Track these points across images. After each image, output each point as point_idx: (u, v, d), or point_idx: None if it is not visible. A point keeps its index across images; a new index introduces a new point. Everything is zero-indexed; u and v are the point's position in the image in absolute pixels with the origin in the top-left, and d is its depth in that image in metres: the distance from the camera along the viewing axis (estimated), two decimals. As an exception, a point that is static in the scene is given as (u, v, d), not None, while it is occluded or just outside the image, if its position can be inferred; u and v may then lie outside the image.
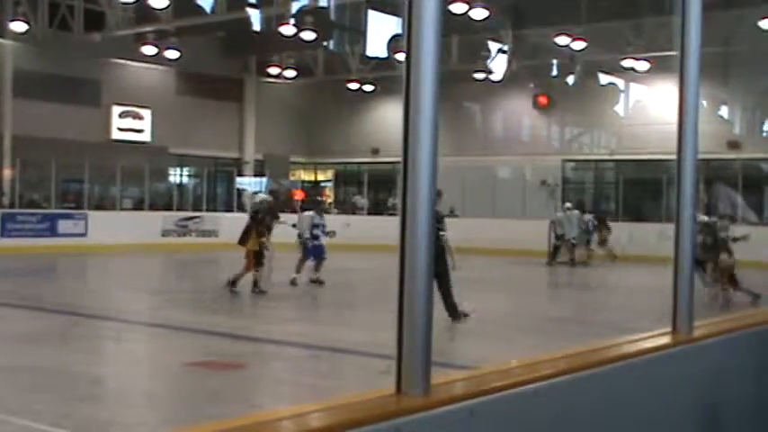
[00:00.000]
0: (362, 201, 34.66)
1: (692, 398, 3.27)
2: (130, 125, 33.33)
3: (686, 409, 3.24)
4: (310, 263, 18.49)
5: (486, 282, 21.64)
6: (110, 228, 27.89)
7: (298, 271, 18.17)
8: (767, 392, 3.93)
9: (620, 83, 33.31)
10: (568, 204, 27.12)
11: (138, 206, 31.19)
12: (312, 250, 18.43)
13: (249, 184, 36.39)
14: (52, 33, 28.92)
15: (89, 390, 8.61)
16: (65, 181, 30.51)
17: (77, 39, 29.00)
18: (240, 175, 36.07)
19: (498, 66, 31.23)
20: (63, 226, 27.80)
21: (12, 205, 28.44)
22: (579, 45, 28.05)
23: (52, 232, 27.53)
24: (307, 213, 19.52)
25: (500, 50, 30.82)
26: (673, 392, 3.11)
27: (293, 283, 17.80)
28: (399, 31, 28.07)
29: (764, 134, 31.46)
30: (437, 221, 14.67)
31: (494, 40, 30.81)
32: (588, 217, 26.59)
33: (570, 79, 32.65)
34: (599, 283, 22.88)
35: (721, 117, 30.76)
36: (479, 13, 24.83)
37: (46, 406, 7.67)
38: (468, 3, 24.36)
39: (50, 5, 28.72)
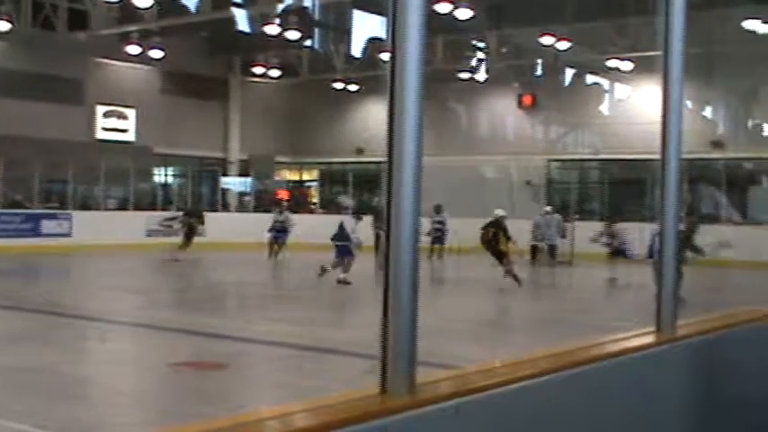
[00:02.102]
0: (348, 200, 34.63)
1: (675, 397, 3.29)
2: (115, 125, 33.22)
3: (670, 408, 3.26)
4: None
5: (470, 282, 21.68)
6: (94, 228, 27.79)
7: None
8: (750, 391, 3.95)
9: (604, 83, 33.38)
10: (547, 208, 27.24)
11: (123, 206, 31.08)
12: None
13: (234, 183, 36.34)
14: (36, 32, 28.78)
15: (73, 390, 8.58)
16: (48, 181, 30.37)
17: (61, 38, 28.89)
18: (225, 174, 35.99)
19: (479, 64, 31.28)
20: (47, 226, 27.68)
21: (-6, 205, 28.30)
22: (564, 45, 28.12)
23: (36, 232, 27.40)
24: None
25: (477, 48, 30.84)
26: (656, 391, 3.12)
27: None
28: (383, 30, 28.06)
29: (748, 133, 31.55)
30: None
31: (478, 39, 30.83)
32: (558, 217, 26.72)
33: (561, 78, 32.75)
34: (581, 283, 22.94)
35: (705, 117, 30.87)
36: (464, 13, 24.84)
37: (29, 407, 7.64)
38: (452, 2, 24.36)
39: (34, 4, 28.56)
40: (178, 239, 26.25)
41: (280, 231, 25.89)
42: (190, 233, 26.20)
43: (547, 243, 25.93)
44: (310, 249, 24.66)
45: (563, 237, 26.02)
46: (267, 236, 25.95)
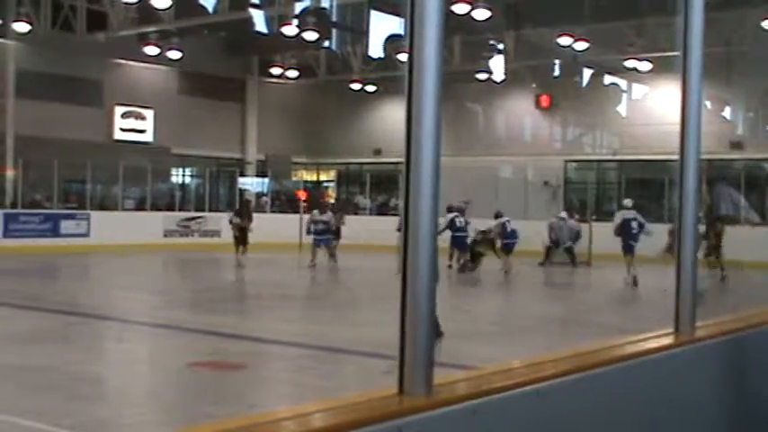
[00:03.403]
0: (365, 201, 34.64)
1: (694, 398, 3.27)
2: (133, 125, 33.35)
3: (689, 410, 3.24)
4: None
5: (486, 282, 21.65)
6: (112, 228, 27.90)
7: None
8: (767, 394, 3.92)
9: (622, 83, 33.27)
10: (563, 214, 27.22)
11: (141, 206, 31.18)
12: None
13: (251, 184, 36.40)
14: (55, 34, 28.91)
15: (91, 389, 8.62)
16: (67, 181, 30.53)
17: (80, 39, 29.00)
18: (242, 175, 36.05)
19: (497, 65, 31.21)
20: (65, 226, 27.80)
21: (14, 205, 28.44)
22: (581, 45, 28.01)
23: (54, 232, 27.53)
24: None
25: (497, 50, 30.80)
26: (675, 393, 3.11)
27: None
28: (401, 31, 28.05)
29: None
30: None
31: (496, 40, 30.78)
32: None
33: (579, 79, 32.70)
34: (600, 284, 22.86)
35: (724, 117, 30.72)
36: (481, 14, 24.79)
37: (47, 405, 7.68)
38: (470, 3, 24.32)
39: (53, 6, 28.71)
40: (195, 240, 26.17)
41: (322, 233, 23.51)
42: (241, 237, 23.57)
43: (562, 246, 25.99)
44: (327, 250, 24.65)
45: (576, 240, 26.16)
46: (310, 239, 23.93)
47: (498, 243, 23.16)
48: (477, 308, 16.61)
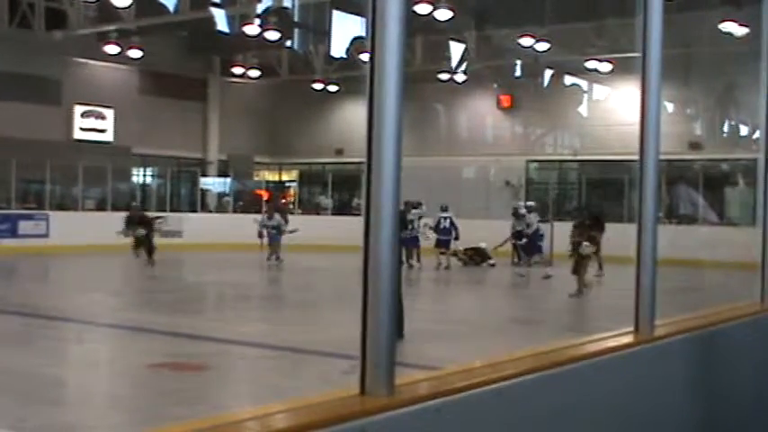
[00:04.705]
0: (327, 201, 34.61)
1: (654, 396, 3.30)
2: (93, 125, 33.04)
3: (649, 408, 3.27)
4: None
5: (449, 282, 21.73)
6: (72, 228, 27.58)
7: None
8: (727, 391, 3.97)
9: (583, 84, 33.50)
10: (524, 203, 27.17)
11: (101, 206, 30.87)
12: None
13: (213, 184, 36.21)
14: (12, 31, 28.56)
15: (49, 392, 8.52)
16: (25, 181, 30.15)
17: (38, 37, 28.67)
18: (204, 175, 35.84)
19: (461, 67, 31.33)
20: (24, 227, 27.48)
21: (-29, 206, 28.07)
22: (543, 46, 28.18)
23: (12, 233, 27.19)
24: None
25: (465, 52, 30.91)
26: (635, 391, 3.13)
27: None
28: (364, 31, 28.01)
29: (725, 135, 31.81)
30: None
31: (458, 41, 30.87)
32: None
33: (540, 79, 32.86)
34: (560, 284, 22.96)
35: (683, 118, 31.04)
36: (444, 14, 24.87)
37: (4, 409, 7.58)
38: (432, 3, 24.39)
39: (10, 3, 28.36)
40: (156, 240, 25.85)
41: (275, 236, 24.48)
42: (137, 244, 23.55)
43: (519, 243, 25.44)
44: (289, 250, 24.61)
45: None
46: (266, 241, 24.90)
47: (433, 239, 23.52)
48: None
